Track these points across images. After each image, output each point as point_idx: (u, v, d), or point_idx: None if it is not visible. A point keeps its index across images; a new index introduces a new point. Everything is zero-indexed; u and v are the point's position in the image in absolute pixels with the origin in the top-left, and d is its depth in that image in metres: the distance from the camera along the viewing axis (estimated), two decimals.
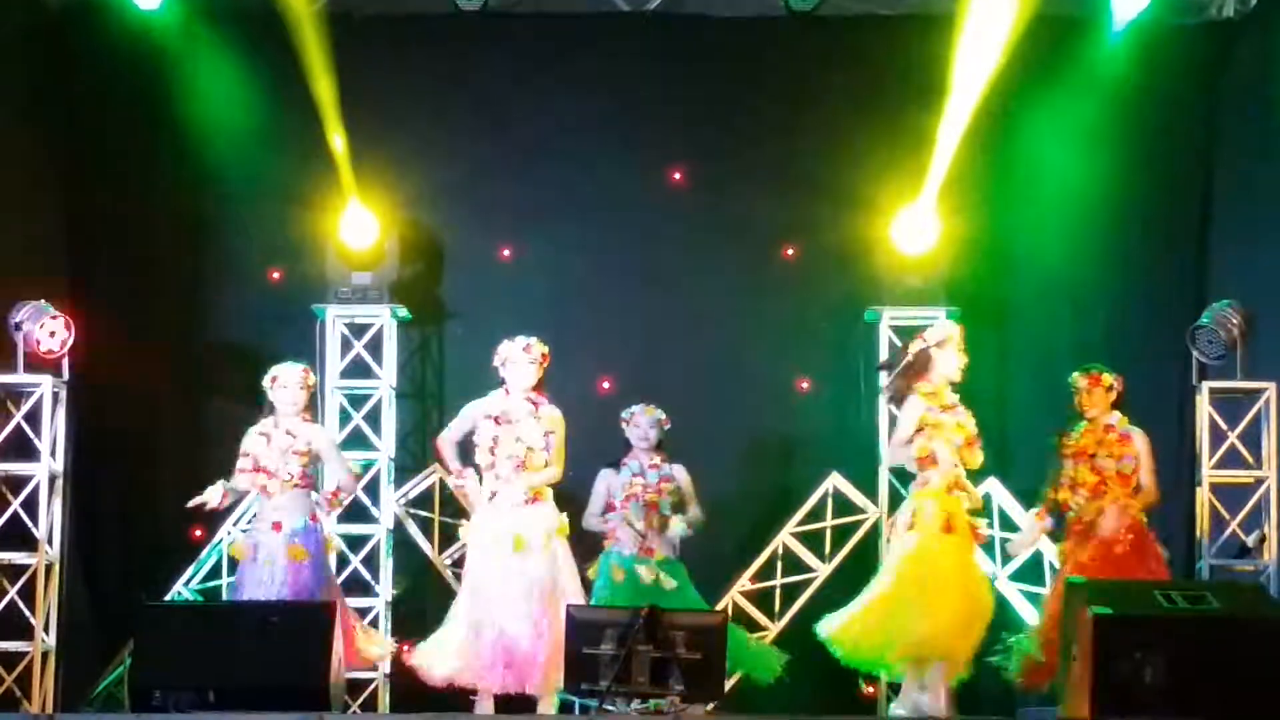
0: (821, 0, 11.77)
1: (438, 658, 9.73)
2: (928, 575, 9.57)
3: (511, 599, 9.65)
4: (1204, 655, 8.02)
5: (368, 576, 11.37)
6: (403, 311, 11.61)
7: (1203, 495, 10.91)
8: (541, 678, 9.58)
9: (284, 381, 9.94)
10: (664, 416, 10.43)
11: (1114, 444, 9.96)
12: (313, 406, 10.28)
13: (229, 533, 11.04)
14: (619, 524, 10.25)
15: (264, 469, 9.85)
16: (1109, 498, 9.89)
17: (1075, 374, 10.12)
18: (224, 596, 10.60)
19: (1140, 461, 9.95)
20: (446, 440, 10.11)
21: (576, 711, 9.81)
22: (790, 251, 11.95)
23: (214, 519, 10.92)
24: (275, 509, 9.84)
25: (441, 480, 11.24)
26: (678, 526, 10.22)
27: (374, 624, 11.09)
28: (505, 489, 9.83)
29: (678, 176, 12.06)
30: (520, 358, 9.90)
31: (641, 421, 10.43)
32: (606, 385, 11.72)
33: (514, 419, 9.86)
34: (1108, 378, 10.05)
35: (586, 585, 10.24)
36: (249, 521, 10.30)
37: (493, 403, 9.95)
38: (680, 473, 10.42)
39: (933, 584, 9.54)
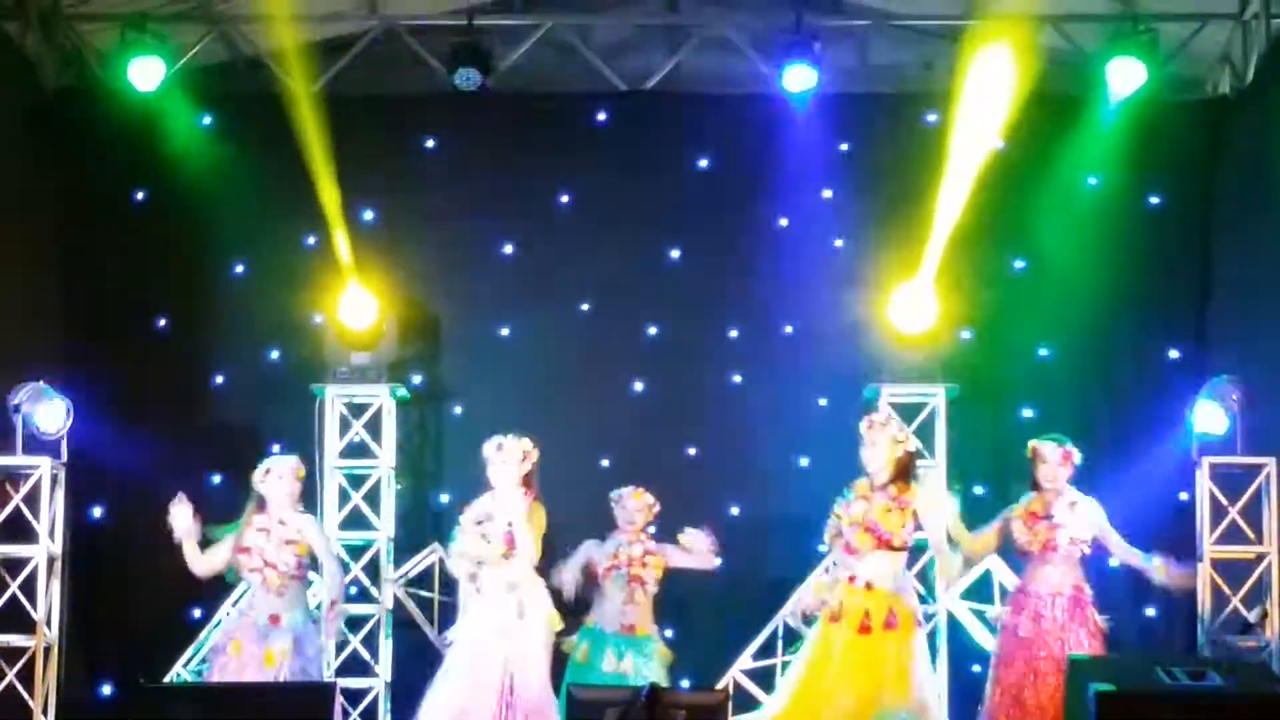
0: (816, 91, 11.81)
1: None
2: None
3: (477, 684, 9.41)
4: None
5: (367, 657, 11.32)
6: (401, 391, 11.61)
7: (1204, 571, 10.86)
8: None
9: (279, 473, 9.83)
10: (653, 501, 10.42)
11: (1066, 511, 9.96)
12: (304, 497, 10.14)
13: (227, 614, 10.97)
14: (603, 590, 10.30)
15: (270, 563, 9.69)
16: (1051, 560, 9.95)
17: (1050, 443, 10.08)
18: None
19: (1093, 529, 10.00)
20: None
21: None
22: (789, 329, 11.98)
23: (213, 600, 10.88)
24: (270, 604, 9.69)
25: (440, 560, 11.19)
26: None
27: (373, 705, 11.03)
28: (487, 577, 9.53)
29: (675, 254, 12.09)
30: (494, 457, 9.60)
31: (629, 505, 10.46)
32: (605, 463, 11.70)
33: (495, 515, 9.56)
34: (1077, 454, 10.05)
35: (563, 659, 10.19)
36: (239, 611, 9.99)
37: (477, 507, 9.65)
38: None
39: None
